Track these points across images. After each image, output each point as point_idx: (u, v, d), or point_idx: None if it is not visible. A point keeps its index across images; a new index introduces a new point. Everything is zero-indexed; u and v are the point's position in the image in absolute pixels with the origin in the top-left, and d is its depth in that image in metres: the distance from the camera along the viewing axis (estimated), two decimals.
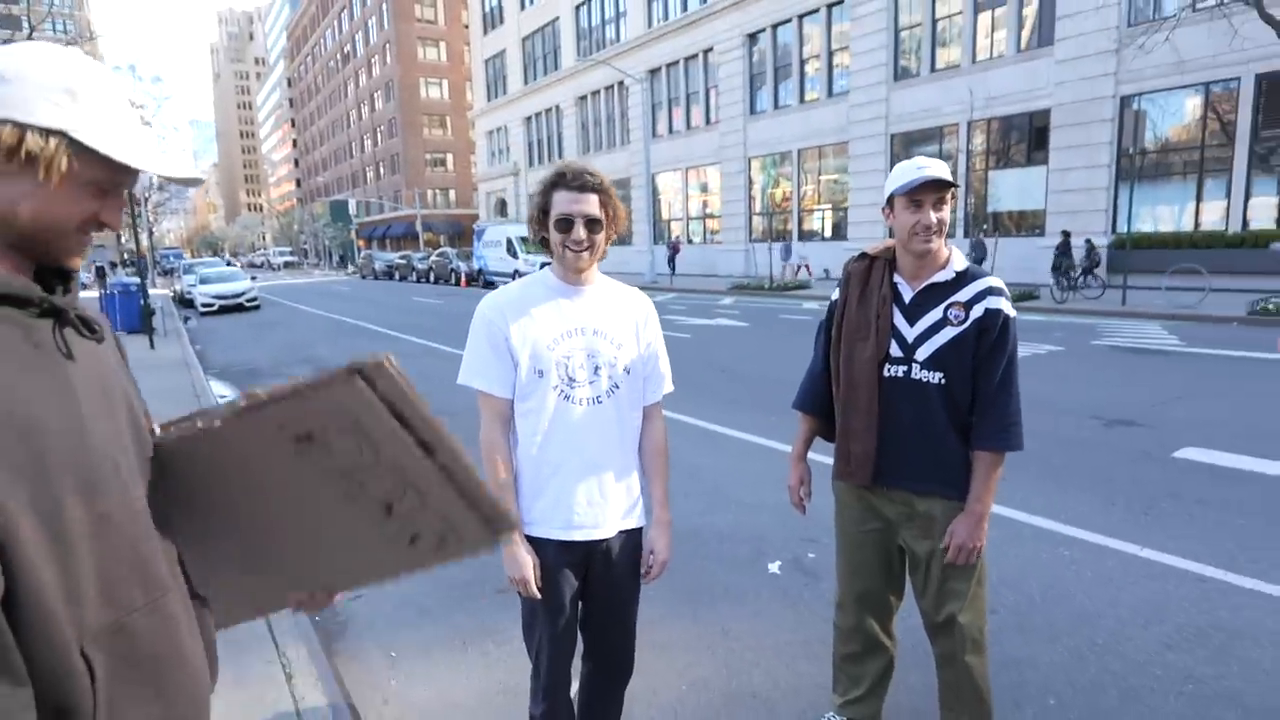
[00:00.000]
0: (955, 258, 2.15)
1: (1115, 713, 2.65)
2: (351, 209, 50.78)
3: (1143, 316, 12.92)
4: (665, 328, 2.11)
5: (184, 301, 25.28)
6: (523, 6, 40.11)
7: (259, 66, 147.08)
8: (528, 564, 1.88)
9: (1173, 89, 16.75)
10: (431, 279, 34.92)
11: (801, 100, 25.43)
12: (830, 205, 25.29)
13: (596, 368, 1.90)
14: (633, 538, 2.04)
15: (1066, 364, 9.07)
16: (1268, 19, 12.08)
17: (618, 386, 1.93)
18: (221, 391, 9.75)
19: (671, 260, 27.37)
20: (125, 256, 37.33)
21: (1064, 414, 6.55)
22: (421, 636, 3.39)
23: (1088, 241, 15.94)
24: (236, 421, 0.88)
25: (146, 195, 33.05)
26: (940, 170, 2.05)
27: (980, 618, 2.23)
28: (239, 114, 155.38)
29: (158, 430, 0.96)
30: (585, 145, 36.25)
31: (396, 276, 39.77)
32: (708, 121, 29.22)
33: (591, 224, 1.84)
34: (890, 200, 2.12)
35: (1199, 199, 16.77)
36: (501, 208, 44.74)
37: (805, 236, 25.88)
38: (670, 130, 31.10)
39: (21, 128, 0.81)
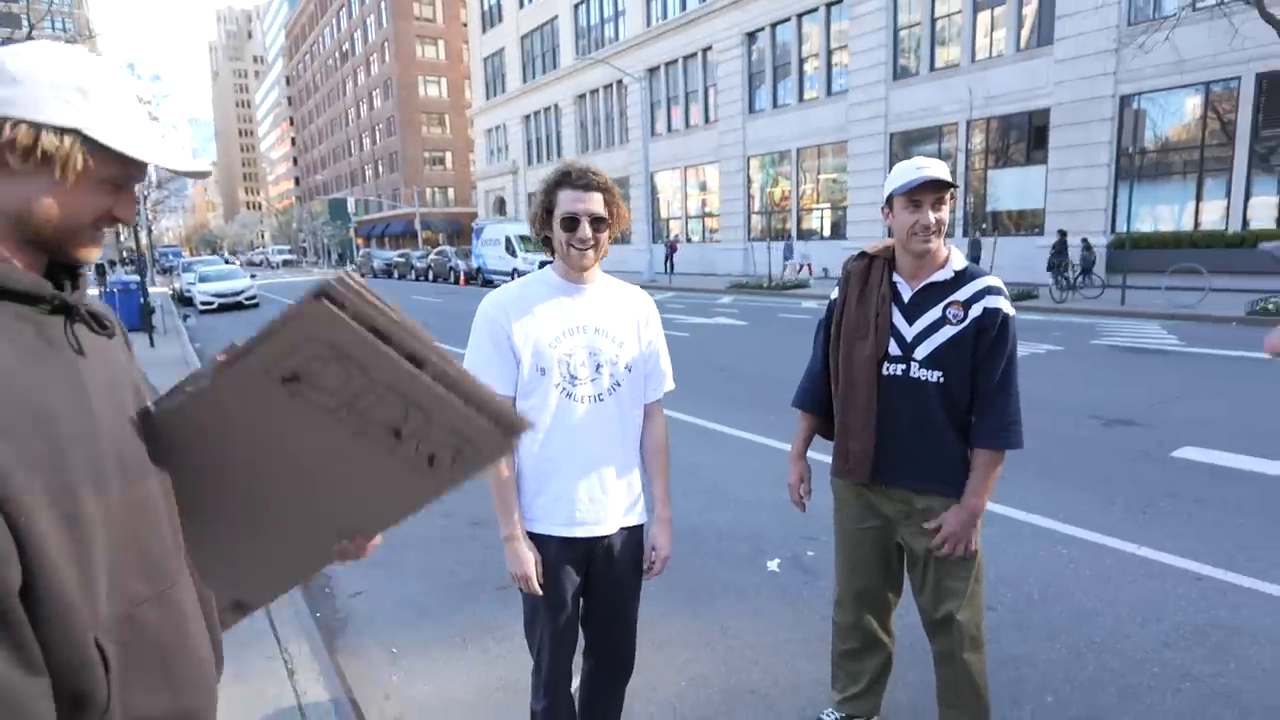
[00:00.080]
0: (954, 257, 2.16)
1: (1113, 710, 2.66)
2: (350, 207, 50.65)
3: (1142, 316, 12.94)
4: (664, 326, 2.12)
5: (183, 299, 25.30)
6: (521, 5, 40.03)
7: (257, 65, 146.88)
8: (529, 560, 1.89)
9: (1172, 88, 16.74)
10: (430, 277, 34.94)
11: (800, 99, 25.41)
12: (829, 204, 25.28)
13: (598, 366, 1.91)
14: (634, 535, 2.05)
15: (1065, 363, 9.08)
16: (1268, 18, 12.08)
17: (619, 384, 1.94)
18: None
19: (669, 259, 27.30)
20: (124, 255, 37.33)
21: (1063, 413, 6.56)
22: (422, 633, 3.40)
23: (1084, 241, 15.95)
24: (224, 379, 0.88)
25: (145, 193, 32.99)
26: (939, 170, 2.06)
27: (978, 615, 2.24)
28: (237, 112, 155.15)
29: (152, 408, 0.96)
30: (584, 144, 36.21)
31: (395, 275, 39.78)
32: (706, 120, 29.19)
33: (597, 222, 1.85)
34: (889, 200, 2.13)
35: (1199, 199, 16.77)
36: (500, 206, 44.70)
37: (804, 235, 25.86)
38: (669, 129, 31.07)
39: (36, 127, 0.82)
